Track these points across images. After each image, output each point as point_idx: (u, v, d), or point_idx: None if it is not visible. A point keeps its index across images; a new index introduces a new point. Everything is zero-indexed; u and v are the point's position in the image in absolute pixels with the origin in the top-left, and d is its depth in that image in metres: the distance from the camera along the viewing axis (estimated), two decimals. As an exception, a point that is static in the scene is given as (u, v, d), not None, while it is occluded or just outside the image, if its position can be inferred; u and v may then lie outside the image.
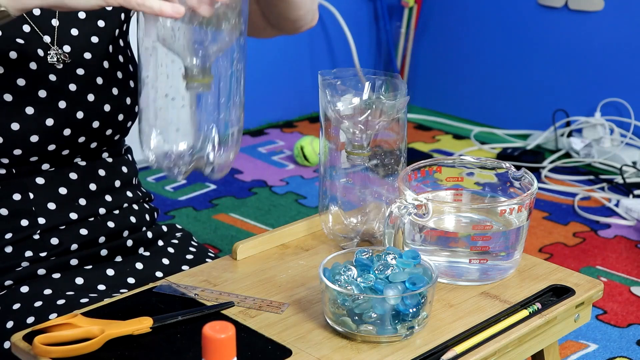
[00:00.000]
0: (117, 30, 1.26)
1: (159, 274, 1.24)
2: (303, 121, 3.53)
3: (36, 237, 1.19)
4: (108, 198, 1.25)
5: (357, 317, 0.97)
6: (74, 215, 1.21)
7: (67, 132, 1.18)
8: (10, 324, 1.11)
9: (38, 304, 1.13)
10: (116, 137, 1.26)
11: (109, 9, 1.25)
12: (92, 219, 1.23)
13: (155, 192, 2.80)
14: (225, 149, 0.98)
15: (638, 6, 3.02)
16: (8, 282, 1.17)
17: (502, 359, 1.01)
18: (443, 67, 3.65)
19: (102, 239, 1.24)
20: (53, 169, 1.20)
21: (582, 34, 3.18)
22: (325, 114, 1.14)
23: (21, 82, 1.15)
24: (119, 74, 1.24)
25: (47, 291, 1.16)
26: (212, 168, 0.98)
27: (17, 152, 1.16)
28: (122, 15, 1.27)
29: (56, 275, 1.19)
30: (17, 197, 1.18)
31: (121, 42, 1.28)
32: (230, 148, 0.99)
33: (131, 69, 1.28)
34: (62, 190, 1.21)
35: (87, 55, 1.21)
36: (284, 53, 3.45)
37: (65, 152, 1.20)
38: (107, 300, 1.07)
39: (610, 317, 2.12)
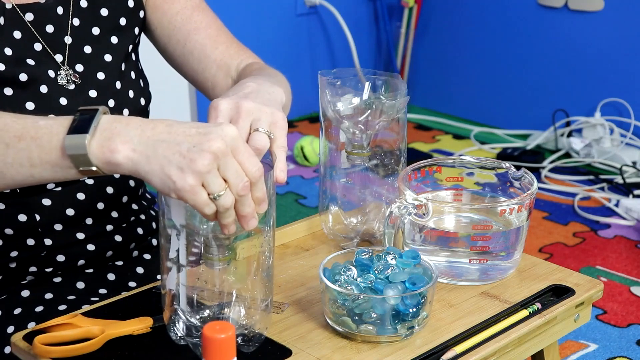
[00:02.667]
0: (130, 46, 1.23)
1: (160, 276, 1.23)
2: (303, 121, 3.53)
3: (42, 254, 1.17)
4: (115, 214, 1.22)
5: (357, 317, 0.97)
6: (80, 235, 1.19)
7: None
8: (11, 329, 1.10)
9: (39, 308, 1.13)
10: None
11: (123, 23, 1.22)
12: (99, 235, 1.21)
13: (156, 192, 2.79)
14: (253, 323, 0.94)
15: (638, 6, 3.02)
16: (11, 292, 1.16)
17: (502, 359, 1.01)
18: (443, 67, 3.65)
19: (109, 253, 1.22)
20: (59, 188, 1.16)
21: (582, 34, 3.18)
22: (325, 114, 1.14)
23: (30, 105, 1.11)
24: (131, 93, 1.21)
25: (48, 295, 1.15)
26: (244, 342, 0.94)
27: None
28: (137, 30, 1.24)
29: (57, 279, 1.18)
30: (22, 218, 1.15)
31: (133, 57, 1.25)
32: (258, 321, 0.95)
33: (142, 85, 1.25)
34: (69, 212, 1.17)
35: (100, 76, 1.18)
36: (284, 53, 3.45)
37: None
38: (107, 301, 1.07)
39: (610, 317, 2.12)
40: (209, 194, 0.84)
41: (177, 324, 0.92)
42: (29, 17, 1.14)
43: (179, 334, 0.93)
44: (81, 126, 0.87)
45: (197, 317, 0.93)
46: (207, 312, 0.94)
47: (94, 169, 0.87)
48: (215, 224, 0.90)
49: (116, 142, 0.86)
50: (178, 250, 0.90)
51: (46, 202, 1.16)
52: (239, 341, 0.93)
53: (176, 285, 0.91)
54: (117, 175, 1.23)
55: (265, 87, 1.02)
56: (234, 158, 0.85)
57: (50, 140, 0.89)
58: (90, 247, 1.20)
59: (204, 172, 0.83)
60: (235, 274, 0.95)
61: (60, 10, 1.16)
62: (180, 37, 1.26)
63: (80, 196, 1.18)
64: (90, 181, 1.19)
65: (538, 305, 1.07)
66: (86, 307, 1.08)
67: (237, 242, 0.93)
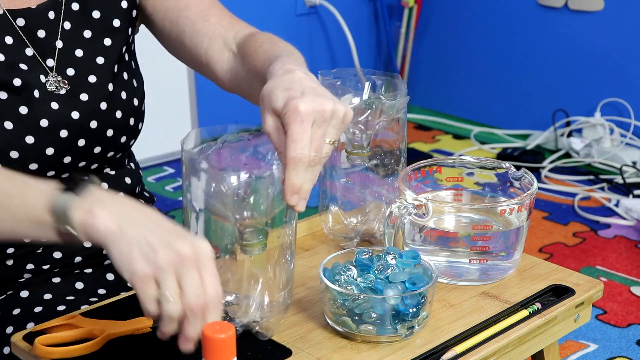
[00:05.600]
0: (124, 48, 1.23)
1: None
2: (303, 121, 3.53)
3: (39, 251, 1.18)
4: None
5: (357, 317, 0.97)
6: None
7: (67, 159, 1.15)
8: (10, 329, 1.11)
9: (38, 309, 1.13)
10: (118, 156, 1.23)
11: (117, 25, 1.21)
12: None
13: (156, 192, 2.80)
14: (271, 310, 0.97)
15: (638, 6, 3.02)
16: (9, 292, 1.16)
17: (502, 359, 1.01)
18: (443, 67, 3.65)
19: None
20: None
21: (582, 34, 3.18)
22: (325, 114, 1.14)
23: (24, 110, 1.12)
24: (123, 95, 1.21)
25: (47, 296, 1.15)
26: (258, 330, 0.97)
27: None
28: (130, 30, 1.24)
29: (56, 280, 1.18)
30: None
31: (126, 57, 1.25)
32: (276, 310, 0.97)
33: (135, 84, 1.25)
34: None
35: (92, 79, 1.18)
36: (284, 53, 3.44)
37: (66, 175, 1.17)
38: (106, 301, 1.07)
39: (610, 317, 2.12)
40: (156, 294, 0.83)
41: None
42: (20, 22, 1.14)
43: None
44: (70, 189, 0.89)
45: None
46: (228, 298, 0.95)
47: (73, 231, 0.88)
48: (240, 208, 0.90)
49: (99, 208, 0.87)
50: (197, 234, 0.92)
51: None
52: (256, 329, 0.97)
53: None
54: (112, 172, 1.23)
55: (312, 77, 0.99)
56: (198, 273, 0.84)
57: (38, 198, 0.89)
58: (87, 244, 1.19)
59: (161, 267, 0.83)
60: (256, 265, 0.97)
61: (51, 14, 1.16)
62: (172, 17, 1.24)
63: None
64: (85, 177, 1.19)
65: (538, 305, 1.07)
66: (85, 308, 1.08)
67: (268, 227, 0.94)
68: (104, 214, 0.86)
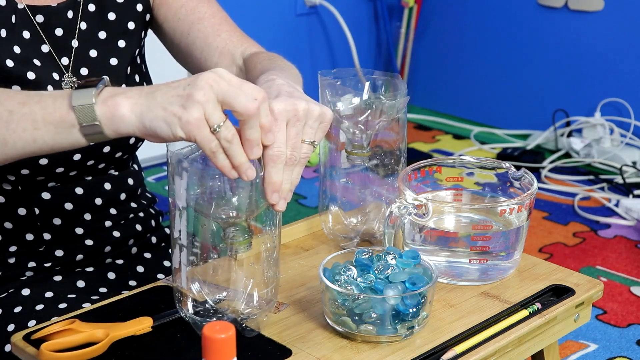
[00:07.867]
0: (136, 50, 1.24)
1: (160, 276, 1.24)
2: (303, 121, 3.53)
3: (41, 249, 1.18)
4: (113, 211, 1.24)
5: (357, 317, 0.97)
6: (79, 230, 1.20)
7: (77, 157, 1.16)
8: (11, 327, 1.11)
9: (39, 307, 1.13)
10: (125, 157, 1.24)
11: (132, 27, 1.23)
12: (97, 231, 1.22)
13: (156, 192, 2.79)
14: (257, 306, 0.97)
15: (638, 6, 3.02)
16: (11, 290, 1.17)
17: (502, 359, 1.01)
18: (443, 67, 3.65)
19: (107, 248, 1.23)
20: (59, 184, 1.18)
21: (582, 34, 3.18)
22: (325, 114, 1.14)
23: None
24: None
25: (49, 294, 1.15)
26: (245, 326, 0.98)
27: (25, 172, 1.13)
28: (143, 33, 1.25)
29: (57, 278, 1.18)
30: (22, 211, 1.16)
31: (138, 60, 1.26)
32: (263, 307, 0.98)
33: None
34: (68, 206, 1.18)
35: None
36: (283, 53, 3.43)
37: (73, 172, 1.18)
38: (107, 300, 1.07)
39: (610, 317, 2.12)
40: (210, 129, 0.86)
41: (186, 302, 0.96)
42: (39, 19, 1.15)
43: (187, 313, 0.96)
44: (88, 85, 0.90)
45: (202, 300, 0.96)
46: (214, 297, 0.97)
47: (98, 123, 0.89)
48: (221, 206, 0.92)
49: (120, 97, 0.89)
50: (180, 231, 0.93)
51: (46, 196, 1.17)
52: (243, 326, 0.97)
53: (179, 264, 0.94)
54: (116, 173, 1.23)
55: (294, 85, 1.02)
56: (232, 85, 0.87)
57: (55, 102, 0.91)
58: (89, 242, 1.20)
59: (203, 102, 0.85)
60: (242, 267, 0.97)
61: (70, 14, 1.18)
62: (184, 28, 1.26)
63: (79, 191, 1.19)
64: (88, 177, 1.20)
65: (538, 305, 1.07)
66: (86, 306, 1.09)
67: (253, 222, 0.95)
68: (125, 100, 0.88)
